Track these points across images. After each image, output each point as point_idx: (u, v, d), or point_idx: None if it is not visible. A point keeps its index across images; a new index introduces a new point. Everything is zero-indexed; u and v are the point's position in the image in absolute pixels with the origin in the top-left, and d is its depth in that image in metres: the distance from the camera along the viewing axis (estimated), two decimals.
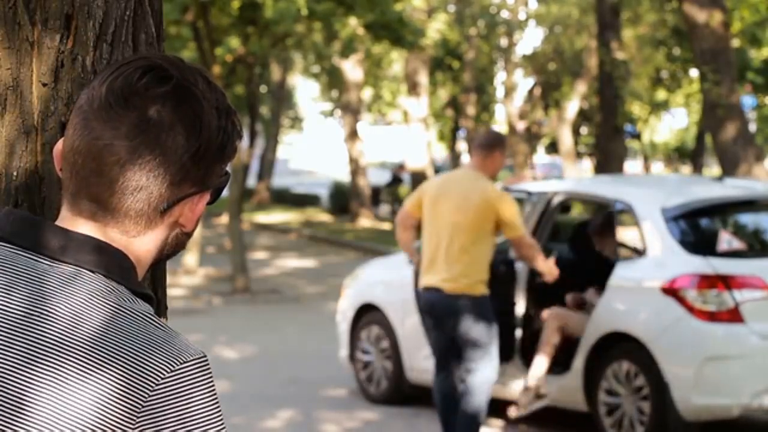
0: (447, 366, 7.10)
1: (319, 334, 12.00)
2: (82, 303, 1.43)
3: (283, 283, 16.97)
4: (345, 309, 9.38)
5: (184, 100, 1.48)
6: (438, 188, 7.11)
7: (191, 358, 1.42)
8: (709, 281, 7.09)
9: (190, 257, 17.27)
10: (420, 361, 8.56)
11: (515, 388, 7.97)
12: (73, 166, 1.49)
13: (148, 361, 1.39)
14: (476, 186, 6.99)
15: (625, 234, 8.37)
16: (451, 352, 7.05)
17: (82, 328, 1.41)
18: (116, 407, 1.37)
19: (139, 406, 1.38)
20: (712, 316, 7.07)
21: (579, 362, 7.65)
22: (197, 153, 1.48)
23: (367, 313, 9.16)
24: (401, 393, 8.87)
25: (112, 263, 1.47)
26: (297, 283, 17.07)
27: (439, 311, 7.01)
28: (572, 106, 29.34)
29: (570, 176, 24.79)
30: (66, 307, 1.42)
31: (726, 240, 7.44)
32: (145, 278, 1.56)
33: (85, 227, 1.49)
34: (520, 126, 30.59)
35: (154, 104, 1.47)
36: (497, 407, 8.51)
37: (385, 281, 9.17)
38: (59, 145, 1.54)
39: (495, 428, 8.23)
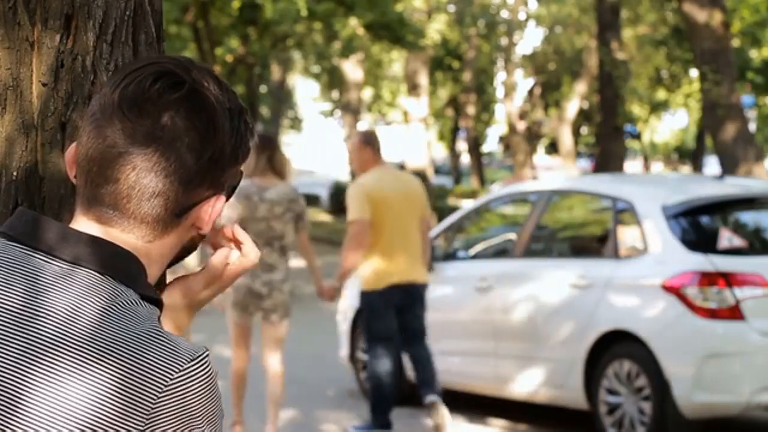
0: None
1: (319, 334, 12.00)
2: (78, 299, 1.43)
3: None
4: (345, 309, 9.38)
5: (197, 106, 1.49)
6: None
7: (197, 355, 1.42)
8: (709, 278, 7.09)
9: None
10: None
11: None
12: (87, 174, 1.50)
13: (149, 359, 1.39)
14: None
15: (627, 232, 8.37)
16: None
17: (78, 324, 1.41)
18: (114, 404, 1.37)
19: (148, 407, 1.38)
20: (712, 314, 7.07)
21: (580, 361, 7.65)
22: (212, 157, 1.50)
23: None
24: (401, 393, 8.85)
25: (113, 260, 1.47)
26: (297, 283, 17.06)
27: None
28: (572, 106, 29.38)
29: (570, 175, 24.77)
30: (62, 303, 1.42)
31: (727, 237, 7.44)
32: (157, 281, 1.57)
33: (98, 231, 1.49)
34: (520, 126, 30.59)
35: (167, 111, 1.47)
36: (498, 407, 8.51)
37: None
38: (71, 151, 1.55)
39: (495, 428, 8.23)
